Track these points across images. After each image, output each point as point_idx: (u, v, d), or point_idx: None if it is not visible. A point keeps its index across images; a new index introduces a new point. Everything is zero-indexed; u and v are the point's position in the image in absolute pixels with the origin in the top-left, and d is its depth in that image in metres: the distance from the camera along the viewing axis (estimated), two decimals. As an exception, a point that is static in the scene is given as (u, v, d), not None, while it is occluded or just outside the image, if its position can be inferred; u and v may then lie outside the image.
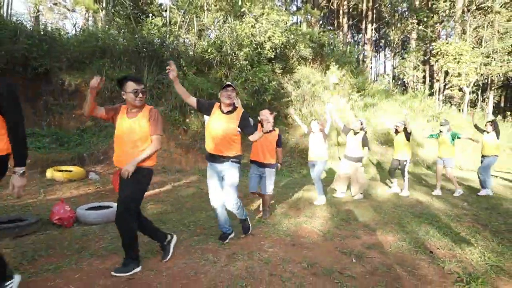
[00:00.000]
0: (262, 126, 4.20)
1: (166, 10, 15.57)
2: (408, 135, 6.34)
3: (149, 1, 18.46)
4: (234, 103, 3.24)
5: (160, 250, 2.97)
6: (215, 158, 3.19)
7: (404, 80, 19.34)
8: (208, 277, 2.53)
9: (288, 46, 11.63)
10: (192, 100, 3.17)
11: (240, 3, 9.81)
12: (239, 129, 3.19)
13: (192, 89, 10.04)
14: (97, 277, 2.46)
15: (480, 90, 18.33)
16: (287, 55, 11.64)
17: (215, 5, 11.69)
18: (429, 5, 19.42)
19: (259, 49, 9.87)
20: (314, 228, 4.02)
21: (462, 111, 16.40)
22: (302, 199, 5.83)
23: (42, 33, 9.97)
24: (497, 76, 16.03)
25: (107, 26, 13.15)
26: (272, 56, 10.25)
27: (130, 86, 2.57)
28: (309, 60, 12.54)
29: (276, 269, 2.74)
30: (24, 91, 8.76)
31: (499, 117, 17.89)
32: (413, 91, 17.32)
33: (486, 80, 17.32)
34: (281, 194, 6.19)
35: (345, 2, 23.98)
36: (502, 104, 24.48)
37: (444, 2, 16.19)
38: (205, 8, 11.40)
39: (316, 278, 2.61)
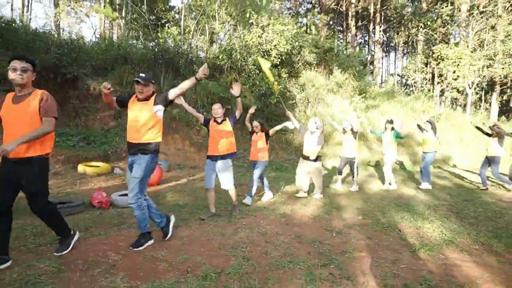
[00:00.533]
0: (215, 121, 4.43)
1: (179, 13, 16.56)
2: (355, 135, 6.91)
3: (164, 9, 19.49)
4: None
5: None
6: (130, 147, 3.08)
7: (408, 82, 19.82)
8: (218, 242, 3.34)
9: (293, 52, 12.43)
10: (115, 104, 3.17)
11: (248, 15, 10.67)
12: (160, 109, 3.08)
13: (205, 93, 10.93)
14: (132, 240, 3.30)
15: (483, 92, 18.70)
16: (292, 60, 12.42)
17: (226, 13, 12.58)
18: (435, 9, 19.85)
19: (266, 56, 10.69)
20: (307, 212, 4.79)
21: (465, 112, 16.85)
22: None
23: (69, 42, 11.02)
24: (499, 78, 16.41)
25: (126, 34, 14.18)
26: (278, 62, 11.05)
27: (12, 63, 2.51)
28: (314, 65, 13.26)
29: (270, 239, 3.53)
30: (55, 96, 9.74)
31: (503, 117, 18.22)
32: (418, 92, 17.82)
33: (489, 82, 17.70)
34: (284, 187, 6.98)
35: (353, 5, 24.55)
36: None
37: (446, 6, 16.67)
38: (217, 18, 12.28)
39: (301, 245, 3.39)
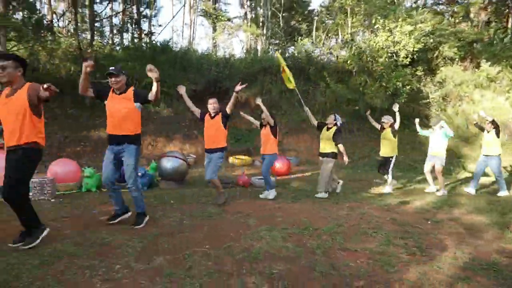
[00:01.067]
0: (209, 115, 4.67)
1: (318, 15, 17.94)
2: (394, 132, 6.22)
3: (301, 18, 21.34)
4: (123, 85, 3.32)
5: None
6: (113, 139, 3.31)
7: None
8: (321, 214, 4.38)
9: (431, 48, 11.81)
10: (90, 92, 3.29)
11: (374, 21, 10.96)
12: (139, 105, 3.32)
13: (333, 96, 11.88)
14: (261, 205, 4.72)
15: None
16: (428, 57, 11.83)
17: (357, 19, 13.12)
18: None
19: (395, 57, 10.73)
20: (412, 205, 5.18)
21: None
22: (416, 189, 6.81)
23: (224, 61, 14.01)
24: None
25: (267, 47, 16.55)
26: (408, 62, 10.86)
27: None
28: (456, 60, 12.17)
29: (367, 218, 4.28)
30: (215, 104, 12.76)
31: None
32: None
33: None
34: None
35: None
36: None
37: None
38: (349, 24, 12.99)
39: (391, 225, 4.01)
